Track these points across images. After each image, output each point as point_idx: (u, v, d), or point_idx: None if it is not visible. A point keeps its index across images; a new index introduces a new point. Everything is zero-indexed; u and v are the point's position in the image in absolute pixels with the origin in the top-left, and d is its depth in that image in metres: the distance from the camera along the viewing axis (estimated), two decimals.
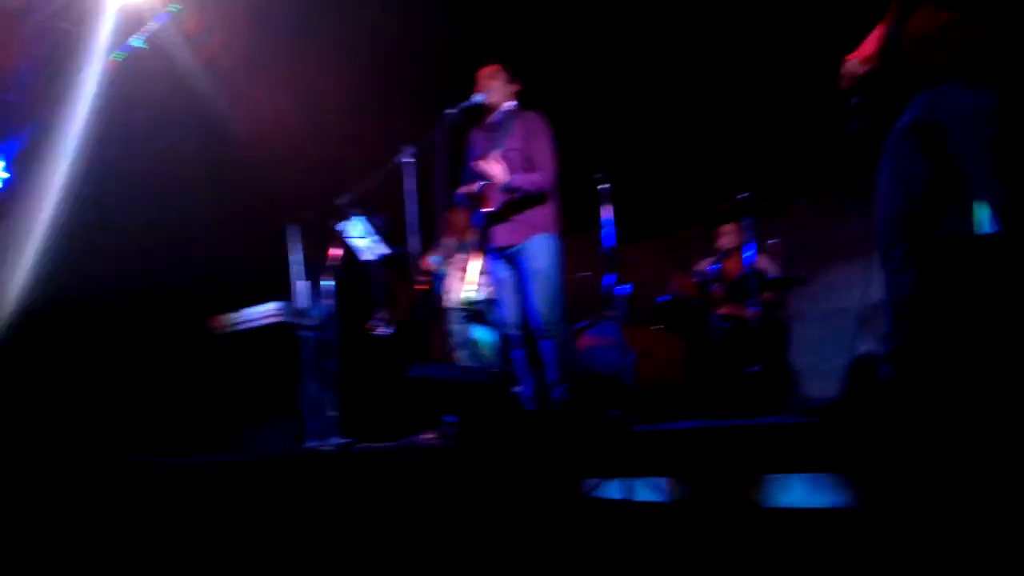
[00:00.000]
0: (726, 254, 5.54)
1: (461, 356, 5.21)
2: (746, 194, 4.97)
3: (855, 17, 3.04)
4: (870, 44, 2.86)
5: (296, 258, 5.47)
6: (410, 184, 4.40)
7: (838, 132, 2.99)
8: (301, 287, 5.56)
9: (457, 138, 4.44)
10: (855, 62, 2.88)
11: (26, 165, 5.38)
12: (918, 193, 2.69)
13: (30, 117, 5.12)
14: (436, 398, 4.04)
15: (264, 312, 5.68)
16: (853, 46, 2.89)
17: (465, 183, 4.43)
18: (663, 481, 3.06)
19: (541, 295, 4.14)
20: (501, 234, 4.27)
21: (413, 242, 4.40)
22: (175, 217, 5.84)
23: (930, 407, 2.53)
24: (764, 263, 5.45)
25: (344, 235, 5.16)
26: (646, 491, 3.12)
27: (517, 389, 4.41)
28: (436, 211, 4.39)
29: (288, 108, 5.91)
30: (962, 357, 2.71)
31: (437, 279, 5.43)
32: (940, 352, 2.69)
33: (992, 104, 2.52)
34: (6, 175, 5.53)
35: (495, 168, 4.13)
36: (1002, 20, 2.52)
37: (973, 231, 2.85)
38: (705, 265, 5.57)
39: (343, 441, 4.74)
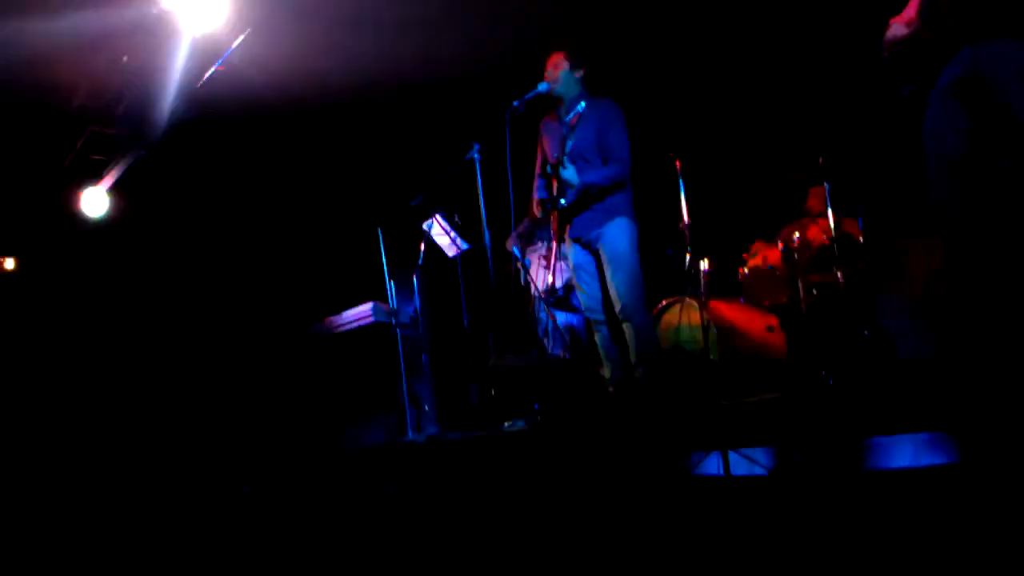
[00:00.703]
0: (811, 220, 5.42)
1: (547, 342, 5.30)
2: (821, 158, 4.87)
3: None
4: (912, 6, 2.79)
5: (384, 259, 5.67)
6: (481, 179, 4.49)
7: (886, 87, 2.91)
8: (391, 286, 5.76)
9: (526, 128, 4.49)
10: (898, 25, 2.81)
11: (131, 191, 5.75)
12: (969, 152, 2.61)
13: (129, 149, 5.47)
14: (521, 386, 4.15)
15: (359, 313, 5.92)
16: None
17: (538, 176, 4.49)
18: (760, 452, 3.07)
19: (620, 279, 4.18)
20: (579, 222, 4.31)
21: (488, 236, 4.50)
22: (268, 224, 6.12)
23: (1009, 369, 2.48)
24: (850, 228, 5.32)
25: (427, 233, 5.32)
26: (744, 464, 3.13)
27: (601, 372, 4.48)
28: (509, 203, 4.47)
29: (364, 111, 6.07)
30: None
31: (520, 267, 5.53)
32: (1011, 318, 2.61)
33: None
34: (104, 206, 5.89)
35: (568, 172, 4.17)
36: None
37: None
38: (788, 233, 5.47)
39: (435, 431, 4.91)
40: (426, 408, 5.89)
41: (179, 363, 5.84)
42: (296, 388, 6.19)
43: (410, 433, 5.50)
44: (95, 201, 5.97)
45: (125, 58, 4.68)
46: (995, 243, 2.59)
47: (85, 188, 5.91)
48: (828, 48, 5.40)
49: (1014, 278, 2.58)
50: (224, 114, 5.41)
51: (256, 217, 6.11)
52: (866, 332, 4.81)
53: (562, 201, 4.24)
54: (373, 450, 4.73)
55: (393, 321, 5.79)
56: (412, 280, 5.49)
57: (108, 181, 5.68)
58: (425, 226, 5.25)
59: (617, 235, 4.22)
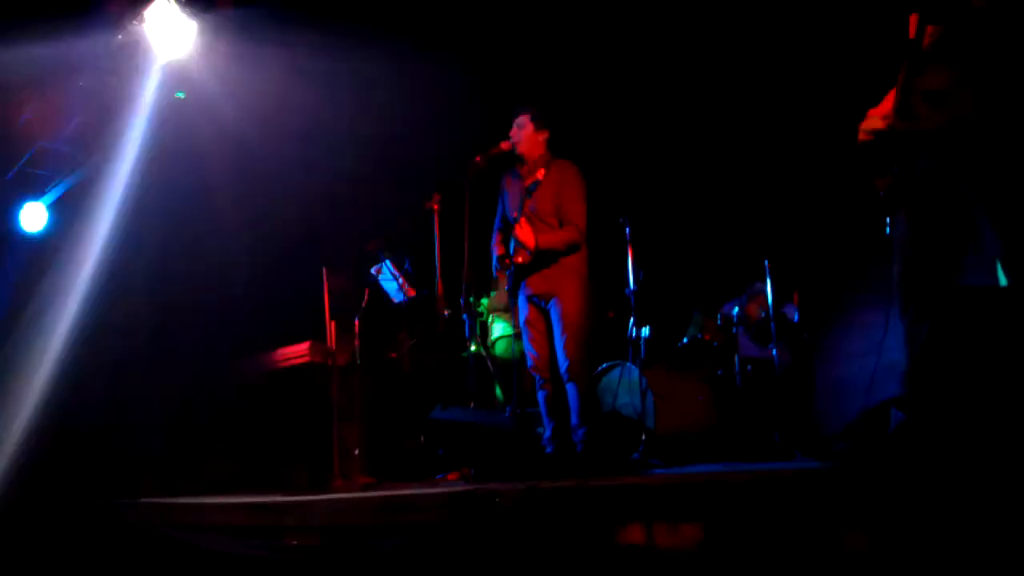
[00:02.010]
0: (750, 297, 5.58)
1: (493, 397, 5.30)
2: (766, 238, 5.05)
3: (875, 71, 3.11)
4: (889, 101, 2.93)
5: (327, 299, 5.61)
6: (438, 229, 4.52)
7: (859, 179, 3.04)
8: (331, 327, 5.69)
9: (486, 183, 4.55)
10: (875, 118, 2.94)
11: (70, 211, 5.59)
12: (934, 245, 2.74)
13: (75, 166, 5.34)
14: (458, 440, 4.13)
15: (295, 351, 5.82)
16: (876, 93, 2.96)
17: (498, 227, 4.52)
18: (683, 525, 3.11)
19: (568, 339, 4.21)
20: (533, 281, 4.35)
21: (440, 285, 4.50)
22: (213, 260, 6.01)
23: (938, 456, 2.57)
24: (788, 307, 5.50)
25: (374, 277, 5.30)
26: (665, 535, 3.17)
27: (539, 431, 4.48)
28: (464, 255, 4.49)
29: (321, 153, 6.08)
30: (973, 408, 2.74)
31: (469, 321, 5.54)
32: (951, 403, 2.72)
33: (1000, 156, 2.58)
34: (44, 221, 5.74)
35: (524, 233, 4.22)
36: (1008, 73, 2.59)
37: (989, 283, 2.90)
38: (728, 308, 5.62)
39: (367, 480, 4.83)
40: (356, 451, 5.79)
41: (107, 386, 5.62)
42: (226, 422, 6.02)
43: (337, 479, 5.40)
44: (35, 216, 5.81)
45: (81, 82, 4.62)
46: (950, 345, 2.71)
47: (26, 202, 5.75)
48: (782, 131, 5.63)
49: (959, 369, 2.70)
50: (180, 139, 5.34)
51: (201, 246, 5.99)
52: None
53: (518, 260, 4.28)
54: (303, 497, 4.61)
55: (330, 362, 5.72)
56: (354, 322, 5.44)
57: (51, 197, 5.54)
58: (372, 270, 5.24)
59: (570, 296, 4.27)
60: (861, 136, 2.93)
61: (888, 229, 2.89)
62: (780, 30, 5.42)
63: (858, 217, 4.77)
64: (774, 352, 5.11)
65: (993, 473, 2.25)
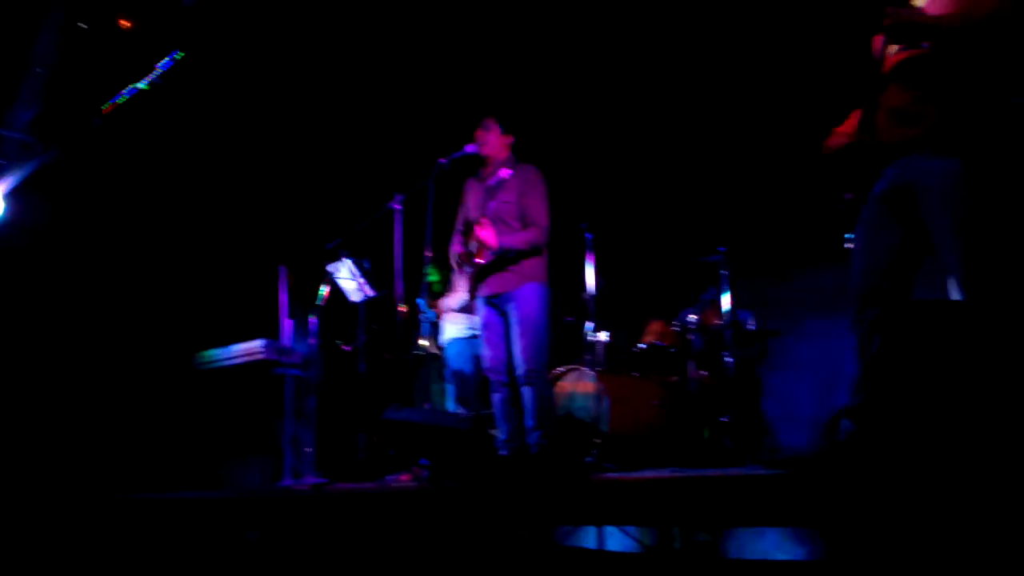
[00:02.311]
0: (706, 304, 5.65)
1: (444, 399, 5.29)
2: (724, 247, 5.12)
3: (841, 83, 3.18)
4: (854, 118, 2.99)
5: (283, 297, 5.55)
6: (399, 230, 4.50)
7: (819, 192, 3.10)
8: (286, 325, 5.63)
9: (450, 186, 4.56)
10: (840, 134, 3.01)
11: (21, 200, 5.45)
12: (890, 258, 2.80)
13: (30, 153, 5.21)
14: (412, 441, 4.11)
15: (249, 348, 5.74)
16: (838, 110, 3.03)
17: (458, 231, 4.52)
18: (633, 530, 3.14)
19: (526, 342, 4.21)
20: (492, 282, 4.35)
21: (399, 286, 4.49)
22: (166, 251, 5.92)
23: (885, 467, 2.63)
24: (743, 314, 5.58)
25: (332, 276, 5.26)
26: (617, 539, 3.20)
27: (494, 433, 4.48)
28: (424, 257, 4.48)
29: (283, 148, 6.04)
30: (920, 421, 2.80)
31: (425, 322, 5.52)
32: (899, 415, 2.78)
33: (957, 173, 2.64)
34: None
35: (487, 233, 4.22)
36: (965, 94, 2.66)
37: (942, 298, 2.97)
38: (685, 314, 5.68)
39: (318, 480, 4.78)
40: (307, 450, 5.73)
41: (52, 384, 5.49)
42: (176, 419, 5.92)
43: (287, 478, 5.34)
44: None
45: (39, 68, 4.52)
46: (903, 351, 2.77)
47: None
48: (743, 142, 5.72)
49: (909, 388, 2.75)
50: (142, 130, 5.26)
51: (157, 241, 5.90)
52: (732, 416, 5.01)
53: (479, 261, 4.28)
54: (246, 493, 4.55)
55: (284, 360, 5.65)
56: (310, 321, 5.39)
57: (5, 187, 5.36)
58: (331, 268, 5.19)
59: (529, 299, 4.27)
60: (824, 151, 3.00)
61: (847, 242, 2.95)
62: (744, 43, 5.51)
63: (816, 228, 4.87)
64: (728, 360, 5.18)
65: (939, 484, 2.31)
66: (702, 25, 5.61)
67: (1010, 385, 2.65)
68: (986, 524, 2.19)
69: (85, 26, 4.69)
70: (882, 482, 2.41)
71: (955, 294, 2.81)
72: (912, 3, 2.82)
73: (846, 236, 2.93)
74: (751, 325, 5.57)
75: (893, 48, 2.81)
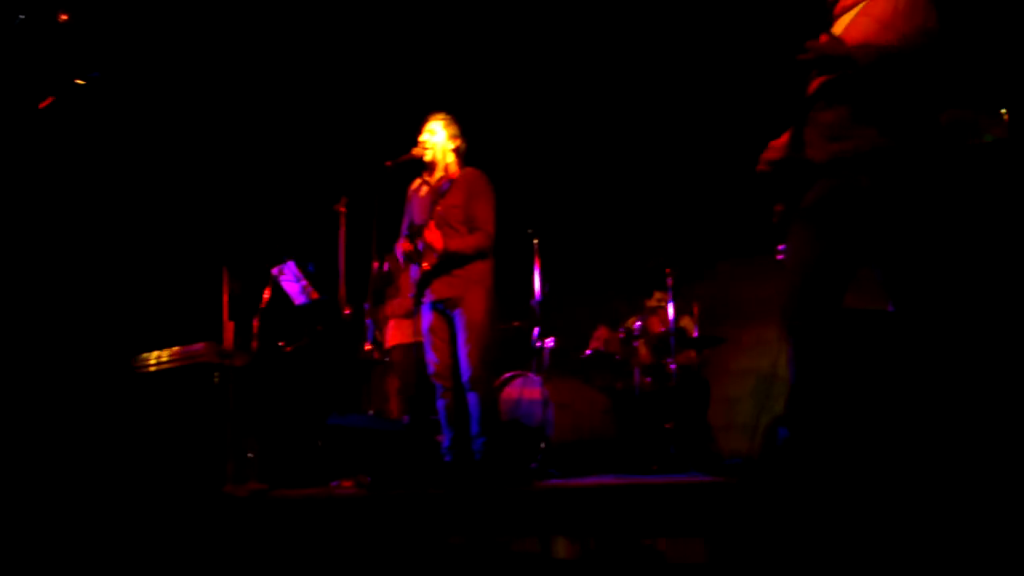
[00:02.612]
0: (651, 311, 5.70)
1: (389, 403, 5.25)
2: (668, 255, 5.17)
3: (779, 98, 3.23)
4: (786, 134, 3.05)
5: (226, 298, 5.45)
6: (344, 233, 4.45)
7: (757, 202, 3.15)
8: (229, 328, 5.53)
9: (396, 189, 4.52)
10: (776, 148, 3.06)
11: None
12: (820, 269, 2.86)
13: None
14: (355, 447, 4.07)
15: (190, 351, 5.63)
16: (777, 124, 3.08)
17: (404, 235, 4.48)
18: (574, 536, 3.15)
19: (471, 348, 4.19)
20: (438, 287, 4.31)
21: (343, 289, 4.44)
22: (106, 250, 5.79)
23: (819, 473, 2.67)
24: (687, 322, 5.64)
25: (276, 278, 5.18)
26: (559, 545, 3.20)
27: (439, 439, 4.46)
28: (371, 260, 4.44)
29: (227, 147, 5.95)
30: (852, 428, 2.86)
31: (370, 326, 5.47)
32: (831, 422, 2.83)
33: (886, 188, 2.71)
34: None
35: (433, 237, 4.18)
36: (894, 111, 2.73)
37: (870, 308, 3.04)
38: (630, 321, 5.73)
39: (259, 486, 4.71)
40: (249, 455, 5.64)
41: None
42: (115, 422, 5.77)
43: (228, 484, 5.25)
44: None
45: None
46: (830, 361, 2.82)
47: None
48: (688, 153, 5.81)
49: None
50: (84, 126, 5.14)
51: (97, 239, 5.76)
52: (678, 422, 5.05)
53: (424, 264, 4.25)
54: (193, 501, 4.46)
55: (226, 363, 5.55)
56: (252, 324, 5.30)
57: None
58: (275, 271, 5.11)
59: (474, 304, 4.26)
60: (760, 165, 3.05)
61: (779, 253, 3.00)
62: (688, 56, 5.59)
63: (757, 238, 4.94)
64: (672, 366, 5.23)
65: (868, 491, 2.36)
66: (649, 36, 5.68)
67: (936, 393, 2.72)
68: (913, 524, 2.25)
69: (23, 17, 4.57)
70: (813, 489, 2.45)
71: (887, 304, 2.87)
72: (836, 26, 2.90)
73: (778, 248, 2.98)
74: (695, 332, 5.63)
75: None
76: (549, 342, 5.33)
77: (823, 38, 2.82)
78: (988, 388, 3.06)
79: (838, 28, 2.89)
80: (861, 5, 2.86)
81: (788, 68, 2.84)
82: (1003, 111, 3.95)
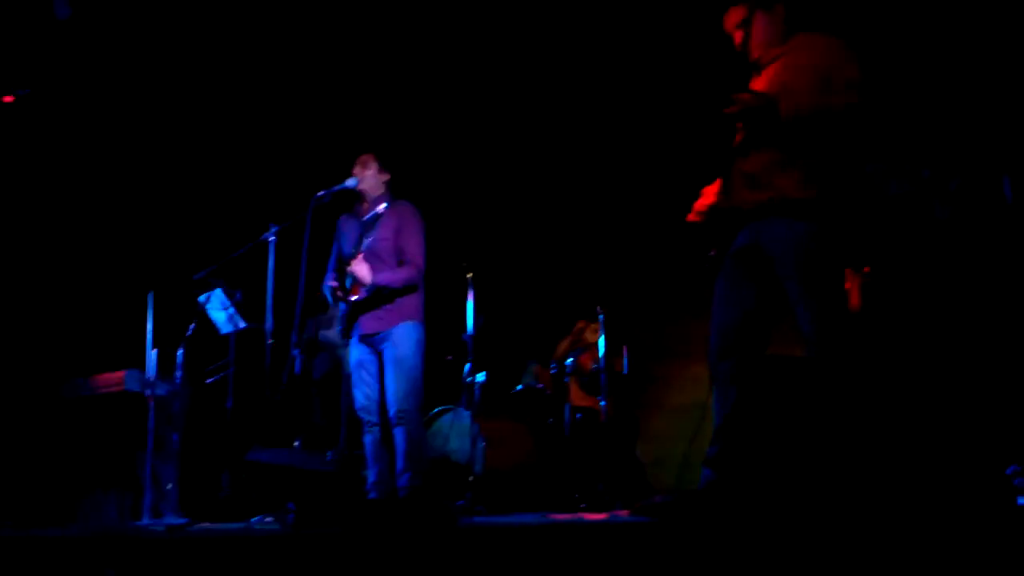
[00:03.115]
0: (583, 348, 5.72)
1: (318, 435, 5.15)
2: (601, 292, 5.21)
3: (712, 141, 3.30)
4: (717, 182, 3.11)
5: (150, 325, 5.30)
6: (273, 262, 4.38)
7: (691, 243, 3.20)
8: (152, 355, 5.38)
9: (326, 220, 4.48)
10: (707, 195, 3.12)
11: None
12: (745, 313, 2.91)
13: None
14: (277, 482, 3.97)
15: (112, 379, 5.46)
16: (710, 164, 3.14)
17: (333, 267, 4.43)
18: None
19: (400, 383, 4.15)
20: (367, 320, 4.27)
21: (271, 319, 4.36)
22: (28, 274, 5.61)
23: (740, 515, 2.69)
24: (617, 359, 5.67)
25: (202, 306, 5.07)
26: None
27: (364, 474, 4.39)
28: (299, 290, 4.37)
29: (156, 171, 5.85)
30: (772, 470, 2.90)
31: (297, 356, 5.38)
32: (753, 464, 2.86)
33: (807, 236, 2.77)
34: None
35: (361, 269, 4.14)
36: (816, 161, 2.81)
37: (794, 353, 3.10)
38: (561, 350, 5.75)
39: (178, 520, 4.56)
40: (168, 487, 5.47)
41: None
42: (34, 449, 5.55)
43: (146, 516, 5.08)
44: None
45: None
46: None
47: None
48: (622, 193, 5.88)
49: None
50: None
51: (19, 263, 5.58)
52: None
53: (353, 297, 4.21)
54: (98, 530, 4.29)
55: (148, 392, 5.39)
56: (177, 352, 5.16)
57: None
58: (201, 299, 5.00)
59: (403, 338, 4.22)
60: (692, 213, 3.11)
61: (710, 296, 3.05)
62: (625, 94, 5.69)
63: (687, 280, 5.01)
64: (602, 403, 5.24)
65: (790, 532, 2.38)
66: (583, 76, 5.78)
67: (852, 438, 2.78)
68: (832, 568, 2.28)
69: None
70: (735, 530, 2.47)
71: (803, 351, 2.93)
72: (761, 77, 2.98)
73: (715, 290, 3.03)
74: (626, 370, 5.66)
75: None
76: (480, 377, 5.30)
77: (750, 88, 2.90)
78: (904, 434, 3.14)
79: (763, 79, 2.97)
80: (785, 56, 2.95)
81: (719, 116, 2.90)
82: (923, 166, 4.11)
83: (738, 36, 3.03)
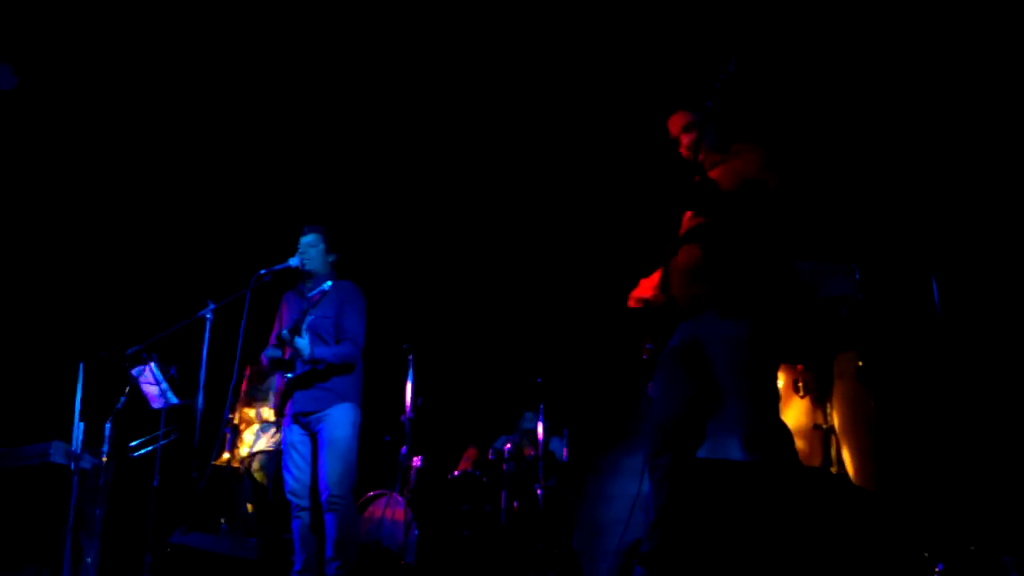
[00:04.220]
0: (522, 433, 5.69)
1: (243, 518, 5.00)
2: (541, 379, 5.21)
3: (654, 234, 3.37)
4: (655, 276, 3.16)
5: (80, 397, 5.16)
6: (208, 338, 4.32)
7: (629, 336, 3.22)
8: (79, 428, 5.22)
9: (267, 298, 4.45)
10: (646, 286, 3.16)
11: None
12: (682, 409, 2.93)
13: None
14: (199, 566, 3.84)
15: (36, 450, 5.27)
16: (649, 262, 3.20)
17: (273, 344, 4.37)
18: None
19: (333, 465, 4.06)
20: (302, 399, 4.19)
21: (203, 397, 4.27)
22: None
23: None
24: (555, 441, 5.64)
25: (135, 379, 4.95)
26: None
27: (292, 559, 4.25)
28: (234, 369, 4.30)
29: (92, 240, 5.77)
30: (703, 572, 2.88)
31: (230, 434, 5.27)
32: (684, 566, 2.85)
33: (742, 333, 2.82)
34: None
35: (301, 343, 4.09)
36: (751, 260, 2.88)
37: (727, 454, 3.12)
38: (502, 443, 5.69)
39: None
40: (88, 560, 5.24)
41: None
42: None
43: None
44: None
45: None
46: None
47: None
48: (563, 283, 5.95)
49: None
50: None
51: None
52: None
53: (290, 374, 4.15)
54: None
55: (72, 466, 5.21)
56: (105, 426, 5.01)
57: None
58: (134, 372, 4.88)
59: (339, 419, 4.15)
60: (630, 303, 3.14)
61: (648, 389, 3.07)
62: (564, 171, 5.81)
63: (626, 369, 5.05)
64: (539, 492, 5.19)
65: None
66: (525, 166, 5.90)
67: (781, 538, 2.78)
68: None
69: None
70: None
71: (734, 453, 2.94)
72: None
73: (654, 385, 3.05)
74: (564, 457, 5.63)
75: (688, 214, 3.05)
76: (417, 460, 5.23)
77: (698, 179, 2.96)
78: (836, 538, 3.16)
79: None
80: (724, 164, 3.04)
81: (664, 207, 2.96)
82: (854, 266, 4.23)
83: (685, 139, 3.10)
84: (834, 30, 4.70)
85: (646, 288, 3.16)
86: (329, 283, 4.36)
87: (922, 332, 4.12)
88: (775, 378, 2.97)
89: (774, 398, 2.88)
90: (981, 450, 3.95)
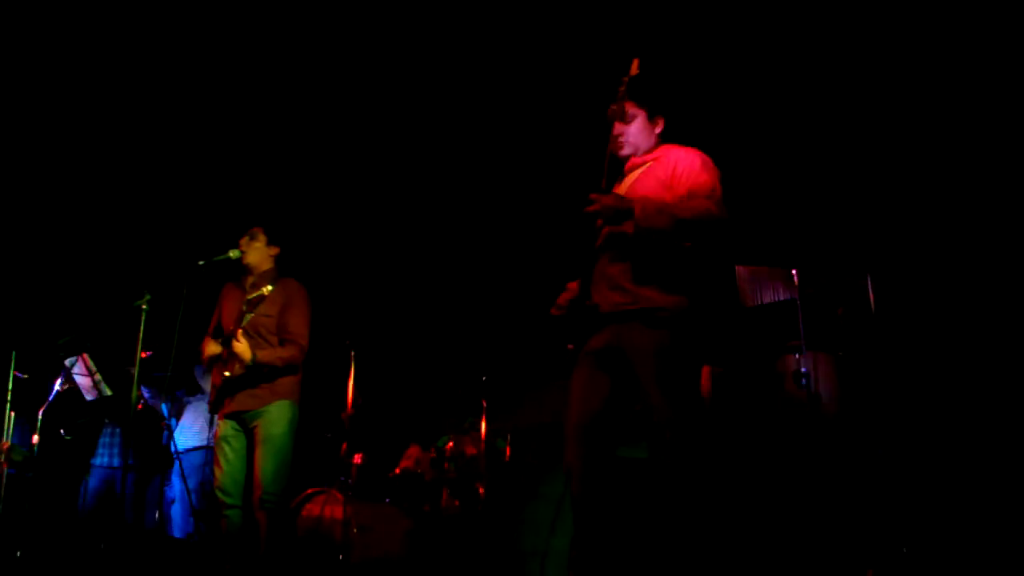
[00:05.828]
0: (464, 432, 5.67)
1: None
2: (484, 376, 5.21)
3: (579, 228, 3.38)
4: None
5: (9, 387, 5.04)
6: (143, 328, 4.24)
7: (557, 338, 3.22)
8: (9, 417, 5.11)
9: (206, 289, 4.37)
10: (571, 290, 3.15)
11: None
12: (599, 410, 2.92)
13: None
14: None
15: None
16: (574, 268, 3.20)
17: (213, 337, 4.28)
18: None
19: (268, 463, 4.00)
20: (239, 397, 4.12)
21: (138, 387, 4.20)
22: None
23: None
24: (499, 443, 5.64)
25: (68, 371, 4.85)
26: None
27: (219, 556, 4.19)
28: (172, 359, 4.23)
29: (26, 230, 5.66)
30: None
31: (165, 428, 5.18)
32: (607, 568, 2.85)
33: (667, 344, 2.83)
34: None
35: (241, 347, 4.00)
36: (675, 268, 2.89)
37: (642, 454, 3.13)
38: (445, 442, 5.67)
39: None
40: (18, 554, 5.12)
41: None
42: None
43: None
44: None
45: None
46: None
47: None
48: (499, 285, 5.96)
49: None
50: None
51: None
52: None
53: (227, 373, 4.07)
54: None
55: (2, 459, 5.09)
56: (36, 417, 4.91)
57: None
58: (68, 362, 4.79)
59: (277, 418, 4.09)
60: (555, 308, 3.14)
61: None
62: (504, 170, 5.83)
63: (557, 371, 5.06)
64: (482, 490, 5.17)
65: None
66: (469, 162, 5.91)
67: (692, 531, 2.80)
68: None
69: None
70: None
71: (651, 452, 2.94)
72: (624, 183, 3.08)
73: (571, 386, 3.04)
74: (506, 456, 5.62)
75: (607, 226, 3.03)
76: (357, 458, 5.18)
77: (614, 190, 2.98)
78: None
79: (625, 185, 3.06)
80: (647, 166, 3.05)
81: (582, 214, 2.95)
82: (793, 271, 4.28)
83: (617, 127, 3.08)
84: (770, 28, 4.77)
85: (571, 291, 3.13)
86: (271, 280, 4.22)
87: (859, 333, 4.18)
88: (698, 383, 3.00)
89: (697, 402, 2.90)
90: (917, 448, 4.00)
